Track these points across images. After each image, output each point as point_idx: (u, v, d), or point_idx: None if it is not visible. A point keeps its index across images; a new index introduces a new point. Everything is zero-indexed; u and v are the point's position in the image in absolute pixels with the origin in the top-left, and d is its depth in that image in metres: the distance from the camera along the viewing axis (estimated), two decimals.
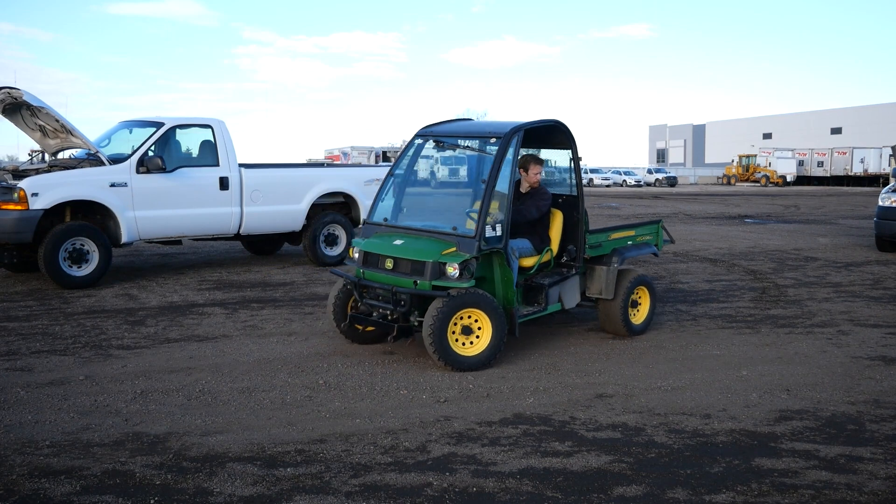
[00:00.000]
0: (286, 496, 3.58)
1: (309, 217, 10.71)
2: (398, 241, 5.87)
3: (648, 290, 6.99)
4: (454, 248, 5.62)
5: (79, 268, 8.75)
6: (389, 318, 5.83)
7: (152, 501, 3.51)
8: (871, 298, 8.82)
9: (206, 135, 9.93)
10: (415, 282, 5.64)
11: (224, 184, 9.81)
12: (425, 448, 4.19)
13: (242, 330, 6.95)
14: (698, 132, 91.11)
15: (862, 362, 6.07)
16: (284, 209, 10.44)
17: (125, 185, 9.06)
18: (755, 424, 4.63)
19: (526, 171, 6.38)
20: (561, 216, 6.66)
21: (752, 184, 55.79)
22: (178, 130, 9.76)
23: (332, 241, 10.94)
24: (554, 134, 6.52)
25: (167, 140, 9.58)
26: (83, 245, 8.77)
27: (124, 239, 9.12)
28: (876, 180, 52.04)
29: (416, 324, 5.73)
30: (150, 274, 9.99)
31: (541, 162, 6.51)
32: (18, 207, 8.39)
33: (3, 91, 8.92)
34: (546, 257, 6.39)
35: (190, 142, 9.99)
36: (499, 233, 5.69)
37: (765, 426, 4.60)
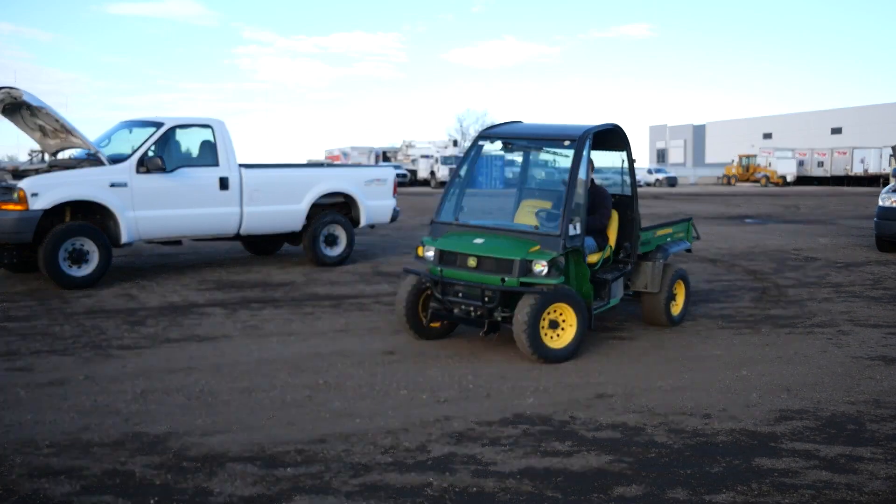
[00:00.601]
0: (286, 496, 3.58)
1: (309, 217, 10.70)
2: (479, 240, 6.04)
3: (684, 283, 7.35)
4: (538, 247, 5.83)
5: (79, 268, 8.75)
6: (474, 314, 5.97)
7: (152, 501, 3.51)
8: (871, 298, 8.82)
9: (206, 135, 9.92)
10: (502, 279, 5.79)
11: (224, 184, 9.80)
12: (425, 448, 4.19)
13: (242, 330, 6.95)
14: (698, 132, 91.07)
15: (862, 362, 6.07)
16: (284, 209, 10.44)
17: (125, 185, 9.06)
18: (755, 424, 4.63)
19: None
20: (617, 215, 6.92)
21: (753, 184, 55.74)
22: (178, 130, 9.75)
23: (332, 241, 10.92)
24: (610, 137, 6.77)
25: (167, 140, 9.57)
26: (83, 245, 8.76)
27: (124, 239, 9.11)
28: (876, 180, 51.96)
29: (499, 319, 5.94)
30: (150, 274, 9.99)
31: (591, 164, 6.80)
32: (18, 207, 8.38)
33: (3, 91, 8.91)
34: (607, 253, 6.66)
35: (190, 142, 9.97)
36: (578, 231, 5.93)
37: (765, 426, 4.60)
